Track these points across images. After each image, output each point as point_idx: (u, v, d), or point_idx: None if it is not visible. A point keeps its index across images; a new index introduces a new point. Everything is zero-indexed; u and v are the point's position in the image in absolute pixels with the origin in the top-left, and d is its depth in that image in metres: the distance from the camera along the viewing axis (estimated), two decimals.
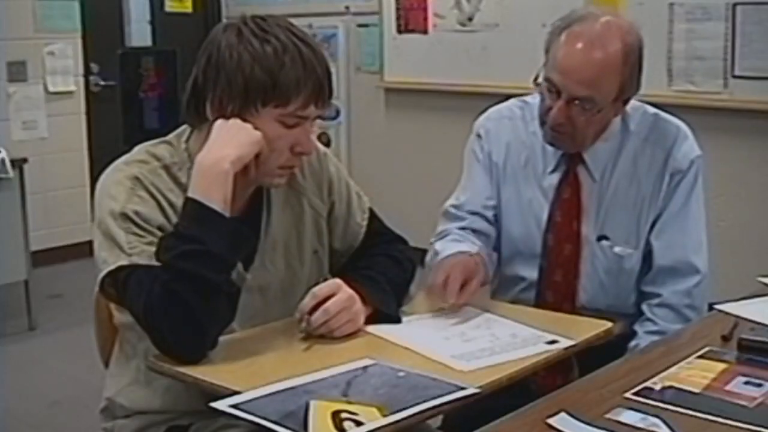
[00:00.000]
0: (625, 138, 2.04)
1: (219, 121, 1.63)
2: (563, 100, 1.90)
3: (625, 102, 1.98)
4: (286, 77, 1.59)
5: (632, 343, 1.99)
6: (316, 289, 1.69)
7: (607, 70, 1.88)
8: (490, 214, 2.11)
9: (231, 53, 1.60)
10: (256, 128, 1.62)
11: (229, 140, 1.60)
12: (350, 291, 1.70)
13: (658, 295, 2.02)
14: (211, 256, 1.53)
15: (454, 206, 2.14)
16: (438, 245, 2.06)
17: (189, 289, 1.51)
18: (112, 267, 1.59)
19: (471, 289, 1.80)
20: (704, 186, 2.08)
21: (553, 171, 2.06)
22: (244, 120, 1.61)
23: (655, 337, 1.95)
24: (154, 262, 1.56)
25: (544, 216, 2.06)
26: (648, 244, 2.03)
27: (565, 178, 2.05)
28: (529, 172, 2.08)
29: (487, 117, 2.17)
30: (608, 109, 1.94)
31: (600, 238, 2.03)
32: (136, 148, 1.74)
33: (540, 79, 1.96)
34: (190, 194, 1.58)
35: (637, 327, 2.02)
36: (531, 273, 2.08)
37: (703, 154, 2.07)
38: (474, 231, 2.09)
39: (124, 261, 1.58)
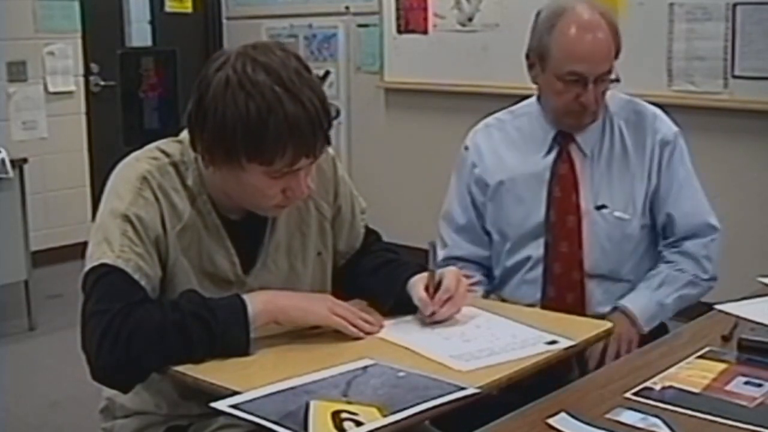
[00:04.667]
0: (607, 116, 2.19)
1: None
2: (592, 84, 2.05)
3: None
4: (269, 140, 1.54)
5: (652, 272, 2.15)
6: (448, 284, 1.73)
7: (610, 41, 2.06)
8: (461, 217, 2.27)
9: (216, 107, 1.55)
10: (243, 179, 1.60)
11: (306, 303, 1.68)
12: (462, 277, 1.78)
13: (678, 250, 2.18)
14: (209, 331, 1.55)
15: (442, 217, 2.33)
16: None
17: (170, 337, 1.53)
18: (96, 263, 1.59)
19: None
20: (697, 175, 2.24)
21: (547, 154, 2.19)
22: (232, 169, 1.60)
23: (676, 273, 2.13)
24: (137, 276, 1.58)
25: (543, 195, 2.17)
26: (663, 215, 2.17)
27: (560, 156, 2.18)
28: (522, 164, 2.20)
29: (474, 130, 2.33)
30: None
31: (599, 207, 2.15)
32: (150, 145, 1.74)
33: (546, 81, 2.10)
34: (251, 297, 1.61)
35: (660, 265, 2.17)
36: (537, 251, 2.18)
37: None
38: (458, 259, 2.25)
39: (108, 260, 1.58)
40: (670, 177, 2.16)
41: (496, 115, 2.31)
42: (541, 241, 2.16)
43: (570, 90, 2.07)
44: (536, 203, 2.17)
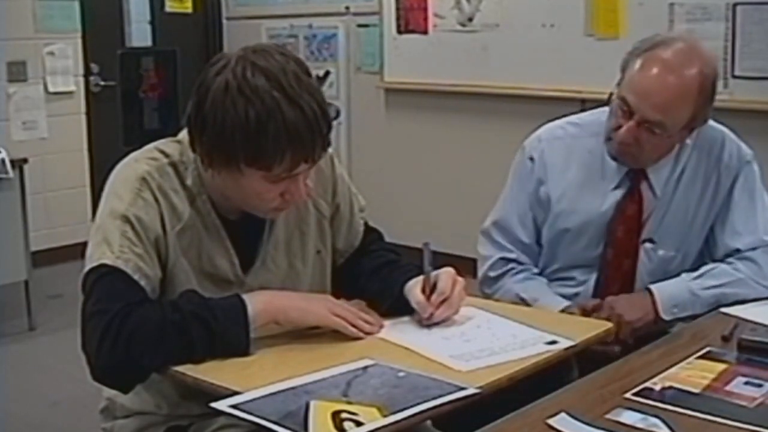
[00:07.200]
0: (680, 150, 2.05)
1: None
2: (634, 122, 1.91)
3: (692, 130, 1.98)
4: (268, 147, 1.54)
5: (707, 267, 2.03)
6: (443, 286, 1.73)
7: (682, 98, 1.89)
8: (523, 234, 2.14)
9: (215, 113, 1.55)
10: (242, 183, 1.60)
11: (305, 303, 1.68)
12: (459, 278, 1.76)
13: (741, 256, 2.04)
14: (209, 331, 1.55)
15: (494, 223, 2.17)
16: (523, 292, 2.08)
17: (170, 337, 1.53)
18: (95, 264, 1.59)
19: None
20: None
21: (615, 188, 2.06)
22: (231, 173, 1.60)
23: (727, 268, 2.00)
24: (137, 276, 1.58)
25: (604, 229, 2.06)
26: (722, 246, 2.05)
27: (629, 194, 2.05)
28: (587, 191, 2.08)
29: (539, 138, 2.15)
30: (676, 135, 1.96)
31: (644, 240, 2.05)
32: (149, 146, 1.74)
33: (614, 96, 1.96)
34: (250, 297, 1.61)
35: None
36: (588, 277, 2.09)
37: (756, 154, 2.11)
38: (521, 242, 2.14)
39: (108, 260, 1.58)
40: (727, 205, 2.05)
41: (563, 125, 2.14)
42: (593, 273, 2.08)
43: (618, 117, 1.95)
44: (596, 238, 2.07)
